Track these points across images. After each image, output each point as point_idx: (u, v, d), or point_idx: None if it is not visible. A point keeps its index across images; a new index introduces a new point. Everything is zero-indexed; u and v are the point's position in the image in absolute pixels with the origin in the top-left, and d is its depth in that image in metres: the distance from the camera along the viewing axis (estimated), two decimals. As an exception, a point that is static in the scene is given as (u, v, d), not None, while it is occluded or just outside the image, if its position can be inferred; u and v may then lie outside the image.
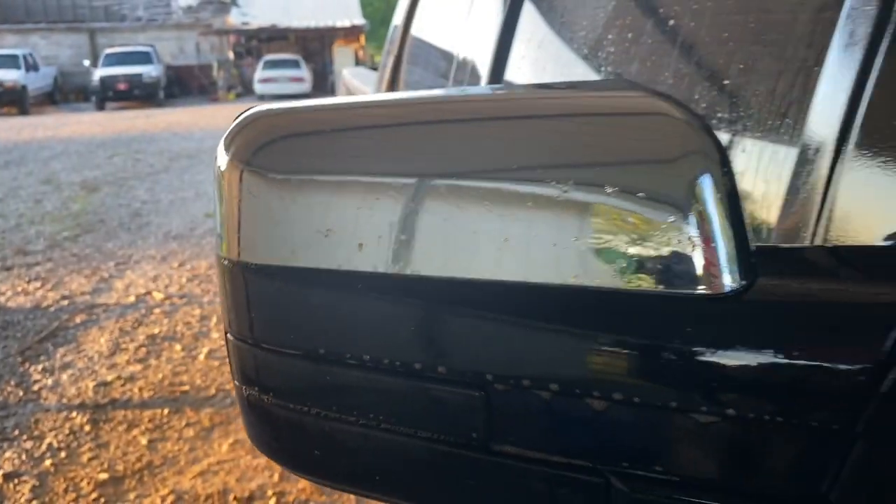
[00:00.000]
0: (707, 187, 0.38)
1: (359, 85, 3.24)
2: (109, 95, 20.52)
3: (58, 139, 12.76)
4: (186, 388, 3.77)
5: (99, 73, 20.62)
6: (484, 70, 1.09)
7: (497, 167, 0.42)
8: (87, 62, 23.88)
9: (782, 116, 0.48)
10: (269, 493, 3.07)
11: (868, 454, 0.36)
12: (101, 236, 6.37)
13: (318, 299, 0.47)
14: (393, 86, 2.05)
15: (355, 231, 0.45)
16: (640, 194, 0.38)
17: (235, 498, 3.00)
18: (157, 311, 4.76)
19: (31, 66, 21.04)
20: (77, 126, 14.77)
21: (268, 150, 0.48)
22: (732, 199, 0.38)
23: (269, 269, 0.48)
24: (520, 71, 0.99)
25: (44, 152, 11.16)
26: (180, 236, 6.18)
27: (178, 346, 4.22)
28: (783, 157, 0.47)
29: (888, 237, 0.41)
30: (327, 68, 24.27)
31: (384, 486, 0.48)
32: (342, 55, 23.98)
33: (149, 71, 21.06)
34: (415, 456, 0.46)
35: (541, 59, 0.95)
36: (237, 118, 0.50)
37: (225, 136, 0.50)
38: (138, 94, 20.67)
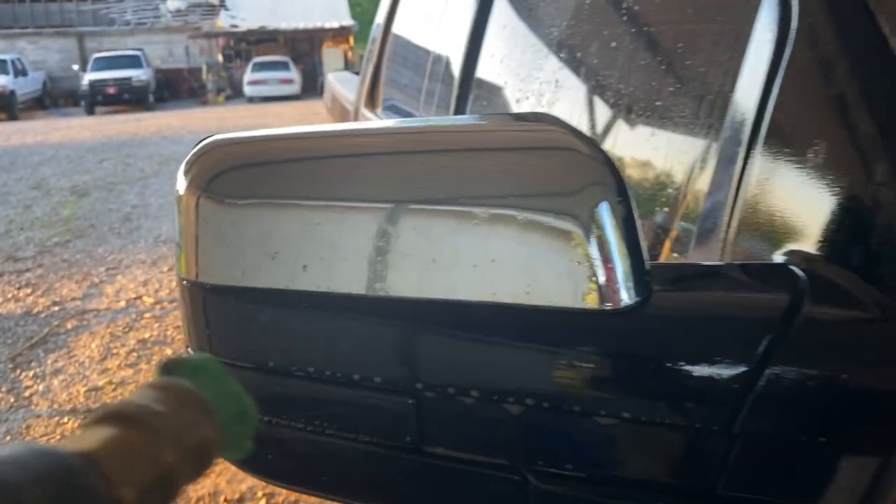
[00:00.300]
0: (606, 214, 0.42)
1: (341, 90, 3.28)
2: (99, 100, 20.48)
3: (48, 144, 12.74)
4: (177, 392, 3.80)
5: (88, 78, 20.58)
6: (457, 67, 1.14)
7: (425, 196, 0.46)
8: (76, 66, 23.82)
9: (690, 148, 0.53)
10: (259, 494, 3.10)
11: (746, 450, 0.41)
12: (91, 241, 6.38)
13: (267, 317, 0.51)
14: (374, 84, 2.09)
15: (299, 253, 0.49)
16: (548, 220, 0.43)
17: (226, 499, 3.04)
18: (147, 315, 4.79)
19: (20, 72, 20.99)
20: (67, 131, 14.75)
21: (223, 177, 0.52)
22: (629, 224, 0.42)
23: (223, 289, 0.52)
24: (491, 66, 1.04)
25: (33, 157, 11.15)
26: (170, 240, 6.20)
27: (168, 351, 4.25)
28: (692, 189, 0.52)
29: (777, 255, 0.46)
30: (317, 69, 24.26)
31: (330, 485, 0.52)
32: (331, 56, 23.98)
33: (138, 75, 21.04)
34: (356, 458, 0.51)
35: (510, 55, 1.00)
36: (196, 146, 0.54)
37: (184, 162, 0.54)
38: (128, 98, 20.63)
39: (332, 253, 0.48)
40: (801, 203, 0.49)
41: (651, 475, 0.43)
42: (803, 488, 0.40)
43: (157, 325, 4.56)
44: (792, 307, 0.41)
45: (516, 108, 0.92)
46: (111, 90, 20.42)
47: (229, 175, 0.52)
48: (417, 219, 0.46)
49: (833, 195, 0.46)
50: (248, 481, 3.18)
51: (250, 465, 0.56)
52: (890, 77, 0.43)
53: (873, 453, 0.39)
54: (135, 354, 4.18)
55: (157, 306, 4.86)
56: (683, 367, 0.41)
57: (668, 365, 0.41)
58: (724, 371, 0.40)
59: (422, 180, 0.46)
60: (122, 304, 4.95)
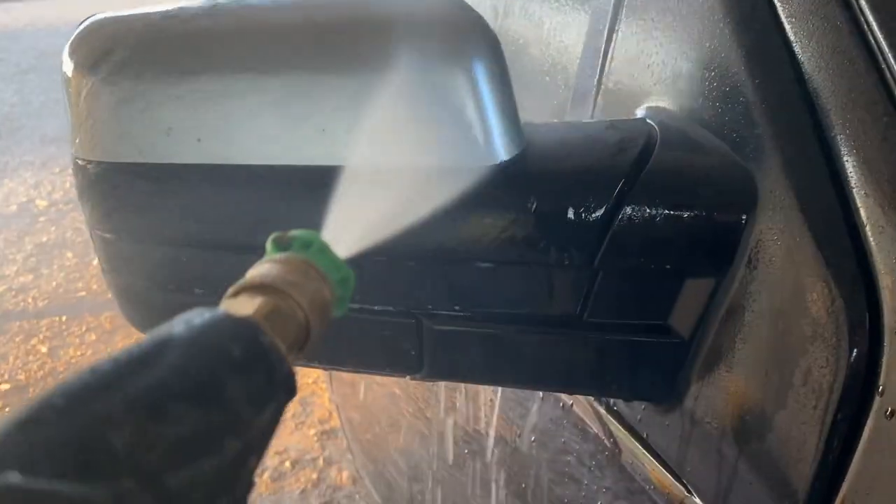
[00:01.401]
0: (480, 71, 0.45)
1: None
2: (-41, -12, 18.65)
3: None
4: (83, 293, 3.74)
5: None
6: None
7: (312, 65, 0.48)
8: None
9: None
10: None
11: (606, 282, 0.47)
12: (-30, 145, 5.99)
13: (166, 193, 0.53)
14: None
15: (194, 127, 0.51)
16: (425, 79, 0.46)
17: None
18: (42, 219, 4.60)
19: None
20: (-74, 24, 13.44)
21: (110, 55, 0.52)
22: (503, 81, 0.46)
23: (120, 168, 0.53)
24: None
25: None
26: (58, 139, 5.89)
27: (69, 254, 4.14)
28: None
29: (639, 111, 0.51)
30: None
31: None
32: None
33: (1, -41, 19.18)
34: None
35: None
36: (80, 24, 0.54)
37: (69, 43, 0.54)
38: (-7, -14, 18.87)
39: (226, 125, 0.50)
40: (658, 64, 0.54)
41: (528, 309, 0.49)
42: (654, 310, 0.47)
43: (53, 228, 4.40)
44: (643, 154, 0.46)
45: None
46: (-28, -23, 18.59)
47: (117, 53, 0.52)
48: (307, 88, 0.48)
49: (684, 55, 0.51)
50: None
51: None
52: None
53: (708, 277, 0.46)
54: (34, 259, 4.05)
55: (52, 209, 4.67)
56: (552, 214, 0.46)
57: (540, 212, 0.46)
58: (586, 214, 0.45)
59: (309, 50, 0.48)
60: (14, 208, 4.73)
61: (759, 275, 0.43)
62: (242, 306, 0.31)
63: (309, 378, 3.24)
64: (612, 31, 0.58)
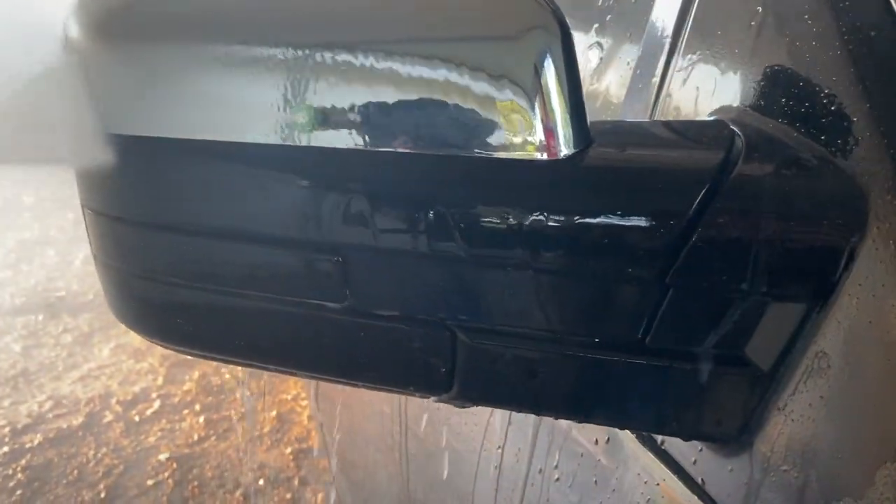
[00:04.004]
0: (549, 61, 0.40)
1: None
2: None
3: None
4: (62, 293, 3.64)
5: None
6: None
7: (343, 40, 0.43)
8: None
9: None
10: (154, 395, 3.06)
11: (677, 303, 0.41)
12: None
13: (180, 169, 0.47)
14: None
15: (212, 99, 0.45)
16: (487, 65, 0.40)
17: (118, 401, 2.97)
18: (27, 214, 4.51)
19: None
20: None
21: (121, 15, 0.47)
22: (572, 73, 0.41)
23: (124, 140, 0.47)
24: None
25: None
26: (51, 133, 5.80)
27: (51, 251, 4.04)
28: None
29: (712, 112, 0.46)
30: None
31: (247, 351, 0.50)
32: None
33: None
34: (277, 321, 0.48)
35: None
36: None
37: (73, 4, 0.49)
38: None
39: (247, 99, 0.44)
40: (736, 58, 0.48)
41: (582, 329, 0.43)
42: (730, 340, 0.41)
43: (37, 225, 4.30)
44: (726, 161, 0.40)
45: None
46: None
47: (127, 12, 0.47)
48: (336, 65, 0.42)
49: (766, 49, 0.46)
50: (141, 382, 3.10)
51: (160, 332, 0.52)
52: None
53: (798, 306, 0.40)
54: (14, 255, 3.94)
55: (38, 205, 4.58)
56: (619, 219, 0.40)
57: (604, 217, 0.41)
58: (659, 223, 0.40)
59: (342, 20, 0.43)
60: (-2, 202, 4.63)
61: (862, 302, 0.37)
62: None
63: (288, 395, 3.15)
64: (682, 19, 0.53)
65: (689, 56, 0.52)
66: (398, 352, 0.46)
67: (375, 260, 0.45)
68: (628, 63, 0.62)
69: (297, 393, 3.16)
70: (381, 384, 0.49)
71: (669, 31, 0.55)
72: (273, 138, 0.44)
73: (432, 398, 0.48)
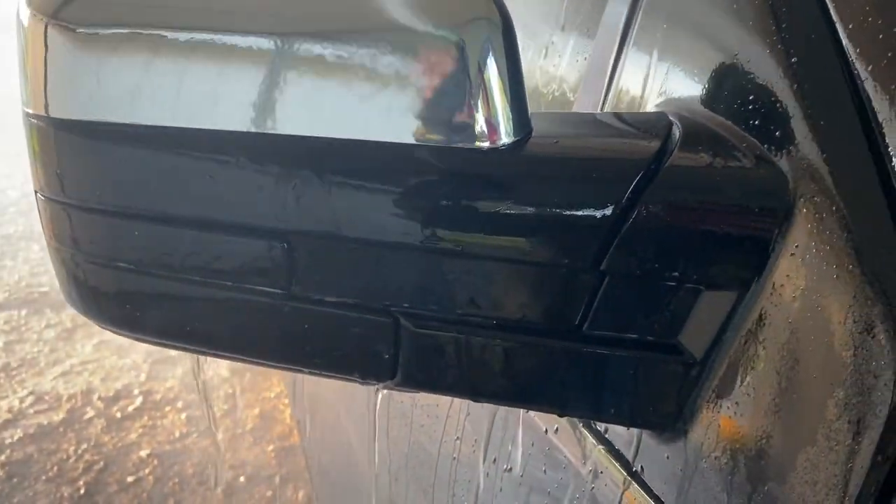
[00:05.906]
0: (490, 50, 0.40)
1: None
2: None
3: None
4: (46, 289, 3.62)
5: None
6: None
7: (297, 29, 0.43)
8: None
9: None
10: (136, 392, 3.05)
11: (613, 289, 0.42)
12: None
13: (128, 154, 0.47)
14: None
15: (163, 85, 0.45)
16: (429, 53, 0.41)
17: (100, 398, 2.96)
18: (12, 209, 4.49)
19: None
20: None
21: (74, 2, 0.47)
22: (513, 63, 0.41)
23: (75, 125, 0.47)
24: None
25: None
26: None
27: (35, 247, 4.02)
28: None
29: (655, 104, 0.46)
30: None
31: (194, 336, 0.50)
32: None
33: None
34: (225, 307, 0.49)
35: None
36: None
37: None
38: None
39: (199, 86, 0.45)
40: (679, 53, 0.49)
41: (521, 316, 0.44)
42: (664, 325, 0.42)
43: (22, 220, 4.28)
44: (662, 151, 0.41)
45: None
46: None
47: (81, 0, 0.47)
48: (289, 53, 0.43)
49: (708, 45, 0.46)
50: (123, 378, 3.09)
51: (112, 318, 0.53)
52: None
53: (729, 292, 0.41)
54: (-3, 250, 3.92)
55: (23, 200, 4.55)
56: (556, 207, 0.41)
57: (542, 204, 0.41)
58: (594, 211, 0.40)
59: (284, 7, 0.43)
60: (-17, 196, 4.60)
61: (790, 289, 0.37)
62: None
63: (271, 392, 3.15)
64: (629, 19, 0.54)
65: (637, 50, 0.53)
66: (343, 338, 0.47)
67: (320, 246, 0.45)
68: (585, 57, 0.62)
69: (280, 391, 3.16)
70: (327, 371, 0.49)
71: (621, 25, 0.55)
72: (217, 123, 0.44)
73: (377, 385, 0.49)
